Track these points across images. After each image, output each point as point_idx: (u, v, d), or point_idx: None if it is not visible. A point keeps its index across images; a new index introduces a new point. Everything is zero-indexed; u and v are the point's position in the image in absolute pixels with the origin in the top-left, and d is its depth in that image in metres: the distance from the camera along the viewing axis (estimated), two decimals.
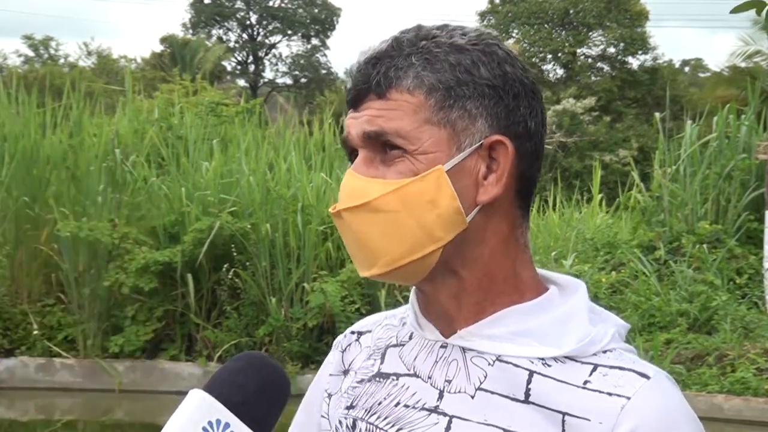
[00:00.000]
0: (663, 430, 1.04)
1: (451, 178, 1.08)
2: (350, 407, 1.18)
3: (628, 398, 1.04)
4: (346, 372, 1.25)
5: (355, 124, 1.11)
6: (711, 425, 7.73)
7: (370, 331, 1.26)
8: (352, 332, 1.28)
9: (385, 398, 1.15)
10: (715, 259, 10.00)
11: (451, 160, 1.08)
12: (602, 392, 1.05)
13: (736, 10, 2.65)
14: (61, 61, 42.81)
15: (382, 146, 1.09)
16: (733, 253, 10.24)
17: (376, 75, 1.09)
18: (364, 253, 1.11)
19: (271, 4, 45.94)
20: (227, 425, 1.04)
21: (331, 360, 1.28)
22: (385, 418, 1.13)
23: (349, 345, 1.27)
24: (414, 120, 1.08)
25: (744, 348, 8.59)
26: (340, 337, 1.30)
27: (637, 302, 9.42)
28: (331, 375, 1.27)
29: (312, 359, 9.11)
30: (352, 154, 1.13)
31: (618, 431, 1.03)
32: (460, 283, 1.11)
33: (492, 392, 1.08)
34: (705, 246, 10.19)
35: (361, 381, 1.20)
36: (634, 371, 1.07)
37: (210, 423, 1.04)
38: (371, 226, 1.09)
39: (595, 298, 9.02)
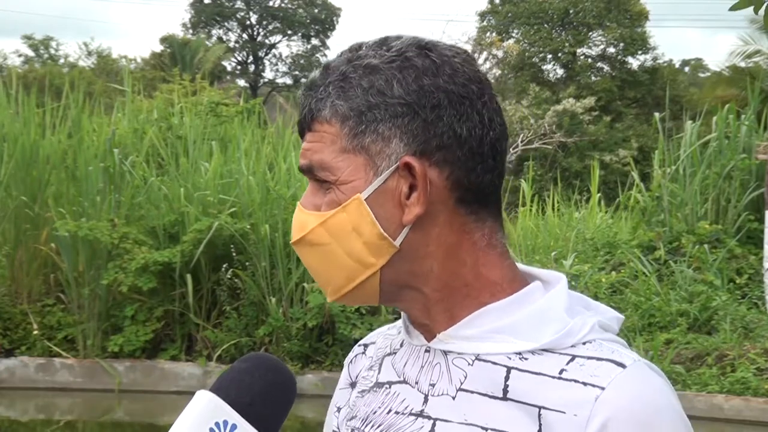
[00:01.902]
0: (639, 421, 1.02)
1: (374, 203, 1.09)
2: (350, 418, 1.20)
3: (603, 388, 1.03)
4: (353, 384, 1.27)
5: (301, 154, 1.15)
6: (711, 425, 7.73)
7: (374, 343, 1.28)
8: (359, 345, 1.31)
9: (379, 407, 1.16)
10: (715, 259, 9.99)
11: (369, 186, 1.09)
12: (577, 381, 1.04)
13: (734, 8, 2.66)
14: (61, 61, 42.83)
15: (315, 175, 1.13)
16: (733, 253, 10.24)
17: (304, 108, 1.13)
18: (318, 281, 1.16)
19: (271, 4, 45.95)
20: (234, 426, 1.05)
21: (341, 376, 1.31)
22: (378, 426, 1.15)
23: (356, 357, 1.30)
24: (332, 150, 1.10)
25: (744, 348, 8.58)
26: (349, 354, 1.33)
27: (637, 302, 9.41)
28: (340, 389, 1.29)
29: (312, 359, 9.12)
30: None
31: (592, 423, 1.02)
32: (423, 297, 1.12)
33: (472, 392, 1.09)
34: (705, 246, 10.19)
35: (362, 392, 1.22)
36: (611, 360, 1.06)
37: (217, 424, 1.04)
38: (311, 259, 1.14)
39: (595, 298, 9.00)
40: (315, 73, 1.14)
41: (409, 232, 1.10)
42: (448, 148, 1.09)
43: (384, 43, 1.13)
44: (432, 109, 1.09)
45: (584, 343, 1.08)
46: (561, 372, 1.06)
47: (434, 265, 1.11)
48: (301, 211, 1.14)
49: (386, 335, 1.26)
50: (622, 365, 1.05)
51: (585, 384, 1.04)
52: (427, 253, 1.11)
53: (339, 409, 1.27)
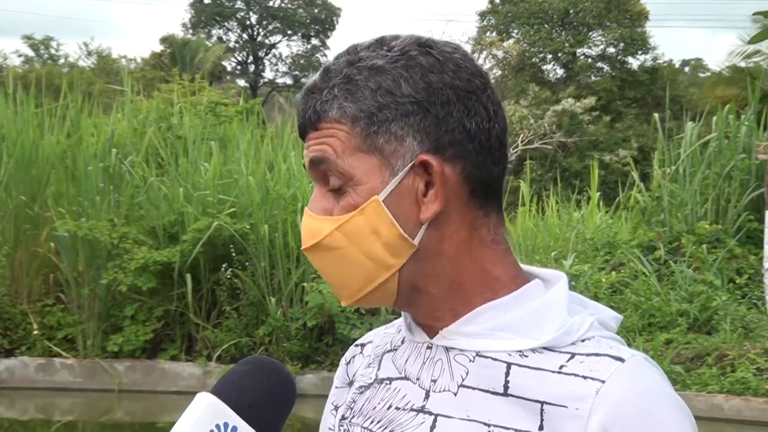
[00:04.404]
0: (640, 412, 1.03)
1: (391, 203, 1.09)
2: (352, 416, 1.21)
3: (603, 382, 1.04)
4: (351, 383, 1.27)
5: (305, 155, 1.14)
6: (711, 425, 7.73)
7: (371, 342, 1.29)
8: (356, 345, 1.32)
9: (379, 403, 1.17)
10: (715, 259, 9.99)
11: (386, 187, 1.09)
12: (577, 375, 1.06)
13: (753, 41, 2.65)
14: (61, 61, 42.85)
15: (326, 176, 1.12)
16: (733, 253, 10.24)
17: (308, 109, 1.12)
18: (332, 286, 1.16)
19: (271, 4, 45.96)
20: (234, 429, 1.05)
21: (338, 374, 1.31)
22: (378, 422, 1.15)
23: (354, 357, 1.30)
24: (344, 148, 1.10)
25: (744, 348, 8.58)
26: (346, 353, 1.33)
27: (637, 302, 9.41)
28: (337, 388, 1.29)
29: (312, 359, 9.11)
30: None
31: (594, 416, 1.03)
32: (431, 298, 1.13)
33: (473, 388, 1.10)
34: (705, 246, 10.19)
35: (361, 388, 1.22)
36: (609, 356, 1.07)
37: (218, 426, 1.05)
38: (326, 263, 1.13)
39: (595, 298, 9.01)
40: (314, 76, 1.14)
41: (426, 231, 1.10)
42: (459, 143, 1.10)
43: (383, 43, 1.12)
44: (442, 105, 1.10)
45: (583, 341, 1.09)
46: (561, 367, 1.07)
47: (446, 263, 1.12)
48: (312, 217, 1.13)
49: (385, 334, 1.27)
50: (621, 359, 1.06)
51: (585, 378, 1.05)
52: (441, 250, 1.11)
53: (336, 408, 1.27)
